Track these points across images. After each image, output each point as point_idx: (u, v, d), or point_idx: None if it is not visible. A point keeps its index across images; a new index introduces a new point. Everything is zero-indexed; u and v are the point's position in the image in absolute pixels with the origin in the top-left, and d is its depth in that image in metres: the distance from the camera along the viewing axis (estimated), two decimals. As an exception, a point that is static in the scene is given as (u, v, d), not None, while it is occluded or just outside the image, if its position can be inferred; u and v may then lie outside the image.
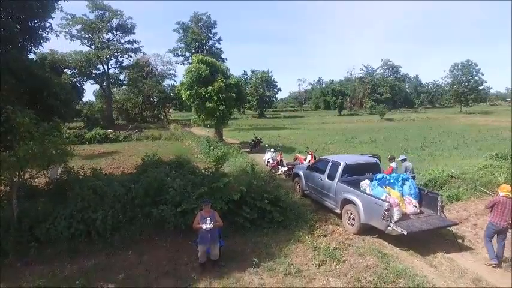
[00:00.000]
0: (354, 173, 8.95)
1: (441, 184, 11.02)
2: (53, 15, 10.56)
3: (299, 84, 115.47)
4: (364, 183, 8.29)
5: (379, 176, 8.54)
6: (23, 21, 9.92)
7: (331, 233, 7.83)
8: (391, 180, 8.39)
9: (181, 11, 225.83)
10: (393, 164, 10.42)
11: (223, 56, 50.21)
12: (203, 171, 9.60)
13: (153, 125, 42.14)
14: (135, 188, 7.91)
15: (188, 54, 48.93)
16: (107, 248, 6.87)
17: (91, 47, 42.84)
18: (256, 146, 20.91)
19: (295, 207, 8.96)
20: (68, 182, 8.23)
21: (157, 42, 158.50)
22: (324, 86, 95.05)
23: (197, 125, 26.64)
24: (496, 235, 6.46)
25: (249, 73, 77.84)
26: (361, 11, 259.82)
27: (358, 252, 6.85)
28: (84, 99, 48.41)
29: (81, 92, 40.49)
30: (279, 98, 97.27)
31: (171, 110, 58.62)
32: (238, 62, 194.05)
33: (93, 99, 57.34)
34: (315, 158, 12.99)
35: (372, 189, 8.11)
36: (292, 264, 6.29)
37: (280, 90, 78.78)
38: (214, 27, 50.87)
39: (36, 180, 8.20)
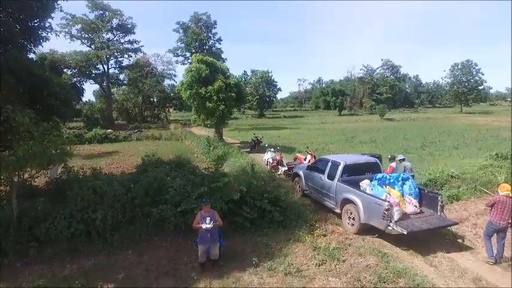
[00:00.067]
0: (354, 173, 8.94)
1: (441, 184, 11.02)
2: (52, 15, 10.57)
3: (299, 84, 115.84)
4: (364, 183, 8.29)
5: (379, 175, 8.53)
6: (23, 21, 9.92)
7: (331, 233, 7.83)
8: (391, 180, 8.38)
9: (181, 11, 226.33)
10: (393, 164, 10.43)
11: (223, 56, 50.25)
12: (203, 171, 9.59)
13: (153, 125, 42.16)
14: (135, 187, 7.90)
15: (188, 54, 48.88)
16: (106, 248, 6.87)
17: (91, 47, 42.85)
18: (256, 146, 20.90)
19: (295, 207, 8.95)
20: (67, 182, 8.22)
21: (157, 42, 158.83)
22: (324, 86, 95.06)
23: (197, 125, 26.64)
24: (495, 234, 6.47)
25: (249, 73, 77.79)
26: (361, 11, 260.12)
27: (358, 251, 6.85)
28: (84, 99, 48.61)
29: (81, 92, 40.50)
30: (279, 98, 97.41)
31: (171, 110, 58.62)
32: (238, 62, 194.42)
33: (93, 99, 57.55)
34: (314, 158, 12.99)
35: (371, 189, 8.10)
36: (292, 264, 6.28)
37: (280, 90, 78.87)
38: (214, 27, 50.90)
39: (36, 179, 8.20)
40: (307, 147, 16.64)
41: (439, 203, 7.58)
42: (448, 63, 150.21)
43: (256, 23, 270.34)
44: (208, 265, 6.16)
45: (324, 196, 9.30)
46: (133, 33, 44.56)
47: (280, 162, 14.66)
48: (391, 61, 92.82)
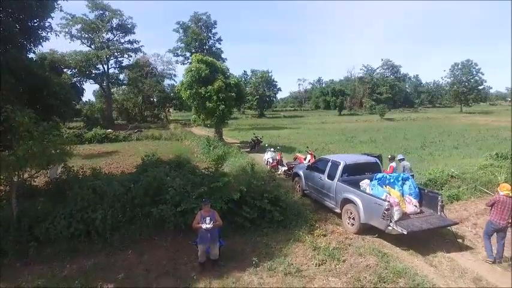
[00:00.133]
0: (354, 173, 8.94)
1: (441, 184, 11.01)
2: (52, 15, 10.59)
3: (299, 84, 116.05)
4: (364, 183, 8.28)
5: (379, 175, 8.52)
6: (23, 20, 9.93)
7: (331, 233, 7.82)
8: (391, 180, 8.38)
9: (181, 11, 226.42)
10: (393, 164, 10.44)
11: (223, 55, 50.21)
12: (203, 170, 9.58)
13: (153, 125, 42.18)
14: (134, 187, 7.89)
15: (188, 54, 48.82)
16: (106, 248, 6.86)
17: (91, 47, 42.87)
18: (256, 146, 20.89)
19: (295, 207, 8.94)
20: (67, 182, 8.22)
21: (157, 42, 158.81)
22: (324, 85, 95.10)
23: (197, 125, 26.64)
24: (495, 234, 6.47)
25: (249, 73, 77.78)
26: (361, 11, 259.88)
27: (358, 251, 6.84)
28: (84, 99, 48.75)
29: (81, 91, 40.57)
30: (279, 98, 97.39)
31: (171, 110, 58.62)
32: (238, 62, 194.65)
33: (93, 99, 57.60)
34: (314, 158, 12.99)
35: (371, 189, 8.10)
36: (292, 264, 6.28)
37: (280, 90, 78.72)
38: (214, 27, 50.88)
39: (35, 179, 8.19)
40: (307, 147, 16.64)
41: (439, 203, 7.58)
42: (448, 63, 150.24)
43: (256, 23, 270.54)
44: (208, 265, 6.16)
45: (324, 196, 9.30)
46: (133, 33, 44.71)
47: (280, 162, 14.65)
48: (391, 61, 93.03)
